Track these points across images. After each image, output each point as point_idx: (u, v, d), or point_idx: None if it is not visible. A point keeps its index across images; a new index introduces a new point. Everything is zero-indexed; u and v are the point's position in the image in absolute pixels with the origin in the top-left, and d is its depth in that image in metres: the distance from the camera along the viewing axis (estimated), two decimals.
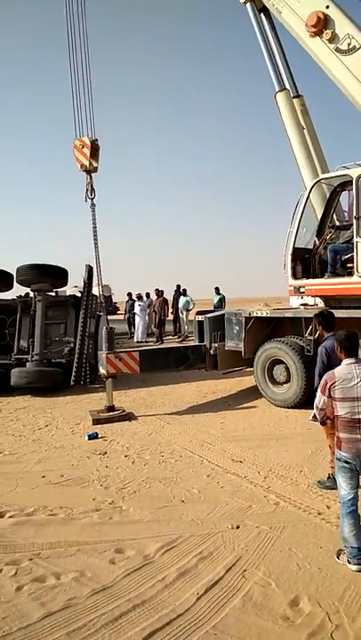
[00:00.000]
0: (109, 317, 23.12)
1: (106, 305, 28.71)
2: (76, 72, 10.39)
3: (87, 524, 4.22)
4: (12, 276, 11.10)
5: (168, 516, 4.31)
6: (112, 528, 4.13)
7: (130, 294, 20.45)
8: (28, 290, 11.14)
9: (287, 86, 8.71)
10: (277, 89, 8.74)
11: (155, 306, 18.36)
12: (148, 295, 19.45)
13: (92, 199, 9.98)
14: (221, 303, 18.15)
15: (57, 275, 10.94)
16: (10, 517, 4.38)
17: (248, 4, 9.00)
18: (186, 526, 4.10)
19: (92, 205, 9.93)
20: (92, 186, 9.89)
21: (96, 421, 7.66)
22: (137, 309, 18.53)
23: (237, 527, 4.05)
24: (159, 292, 18.52)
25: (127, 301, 20.51)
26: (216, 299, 18.49)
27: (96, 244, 9.75)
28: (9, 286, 11.50)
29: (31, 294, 11.04)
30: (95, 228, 9.79)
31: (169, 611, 2.94)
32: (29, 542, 3.89)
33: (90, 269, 10.79)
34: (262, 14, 8.99)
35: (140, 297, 19.20)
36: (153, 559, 3.58)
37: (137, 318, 18.54)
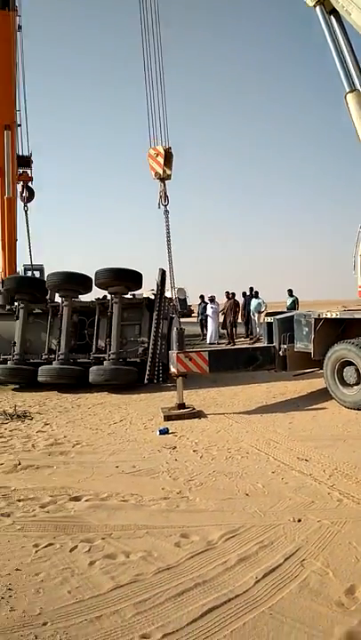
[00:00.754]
0: (184, 320, 23.61)
1: (180, 307, 29.25)
2: (150, 83, 10.87)
3: (156, 510, 4.50)
4: (91, 279, 11.70)
5: (232, 507, 4.50)
6: (178, 515, 4.39)
7: (202, 297, 20.76)
8: (105, 292, 11.73)
9: (358, 87, 8.64)
10: (348, 89, 8.68)
11: (225, 308, 18.55)
12: (212, 299, 19.56)
13: (165, 206, 10.40)
14: (294, 305, 18.03)
15: (132, 278, 11.43)
16: (86, 501, 4.75)
17: (317, 7, 9.01)
18: (248, 517, 4.28)
19: (166, 212, 10.35)
20: (165, 193, 10.30)
21: (167, 418, 7.98)
22: (209, 311, 18.81)
23: (299, 520, 4.18)
24: (229, 295, 18.69)
25: (199, 304, 20.83)
26: (289, 301, 18.39)
27: (169, 248, 10.15)
28: (88, 289, 12.13)
29: (108, 297, 11.61)
30: (168, 233, 10.20)
31: (228, 591, 3.15)
32: (103, 524, 4.23)
33: (163, 273, 11.21)
34: (332, 16, 8.96)
35: (212, 299, 19.45)
36: (216, 545, 3.79)
37: (209, 320, 18.81)
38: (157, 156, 10.65)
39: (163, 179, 10.52)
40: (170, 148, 10.66)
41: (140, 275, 11.52)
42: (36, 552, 3.75)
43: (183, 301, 43.92)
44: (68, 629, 2.81)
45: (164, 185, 10.49)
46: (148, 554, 3.67)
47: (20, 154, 17.55)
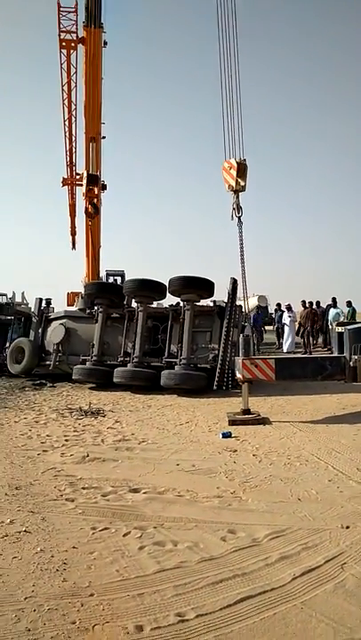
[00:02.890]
0: (267, 327, 23.40)
1: (261, 315, 29.16)
2: (228, 96, 11.14)
3: (208, 506, 4.70)
4: (165, 286, 12.11)
5: (282, 510, 4.60)
6: (229, 513, 4.55)
7: (279, 305, 20.66)
8: (178, 299, 12.10)
9: None
10: None
11: (302, 317, 18.36)
12: (289, 307, 19.38)
13: (239, 217, 10.62)
14: (353, 316, 17.53)
15: (204, 286, 11.71)
16: (144, 493, 5.04)
17: None
18: (297, 520, 4.37)
19: (240, 223, 10.55)
20: (238, 205, 10.51)
21: (232, 422, 8.13)
22: (286, 320, 18.69)
23: (347, 527, 4.20)
24: (306, 304, 18.49)
25: (276, 312, 20.73)
26: (347, 311, 17.90)
27: (242, 259, 10.34)
28: (163, 295, 12.56)
29: (181, 304, 11.96)
30: (242, 244, 10.39)
31: (264, 584, 3.29)
32: (156, 515, 4.49)
33: (234, 282, 11.41)
34: None
35: (289, 307, 19.31)
36: (260, 542, 3.93)
37: (286, 329, 18.69)
38: (231, 168, 10.89)
39: (236, 190, 10.74)
40: (244, 160, 10.87)
41: (212, 283, 11.77)
42: (93, 534, 4.07)
43: (265, 309, 43.46)
44: (112, 602, 3.08)
45: (238, 197, 10.70)
46: (195, 545, 3.88)
47: (90, 172, 18.39)
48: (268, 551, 3.77)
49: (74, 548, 3.81)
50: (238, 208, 10.68)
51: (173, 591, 3.21)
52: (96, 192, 18.45)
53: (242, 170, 10.82)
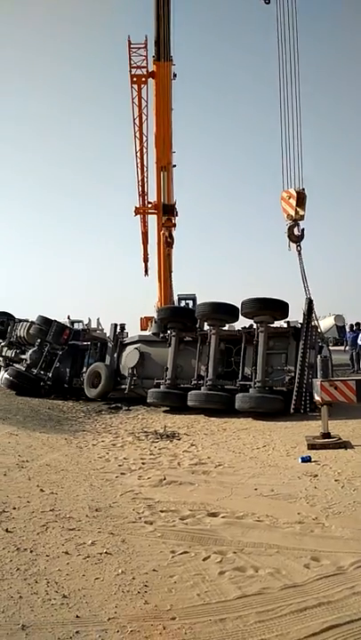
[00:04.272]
0: (340, 348, 22.66)
1: (339, 335, 28.05)
2: (287, 128, 11.26)
3: (289, 532, 4.56)
4: (237, 308, 12.06)
5: None
6: (311, 539, 4.39)
7: (353, 326, 19.92)
8: (251, 322, 12.00)
9: None
10: None
11: None
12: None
13: (298, 249, 11.01)
14: None
15: (278, 307, 11.54)
16: (222, 517, 4.97)
17: None
18: None
19: (299, 254, 10.91)
20: (298, 234, 10.75)
21: (311, 446, 7.88)
22: None
23: None
24: None
25: (349, 332, 19.93)
26: None
27: (306, 287, 10.48)
28: (235, 318, 12.52)
29: (254, 326, 11.85)
30: (304, 273, 10.60)
31: (351, 613, 3.13)
32: (236, 539, 4.40)
33: (310, 302, 11.21)
34: None
35: None
36: (346, 570, 3.75)
37: None
38: (290, 198, 10.96)
39: (295, 220, 10.87)
40: (303, 189, 10.93)
41: (286, 304, 11.59)
42: (173, 557, 4.05)
43: (341, 329, 42.10)
44: (194, 626, 3.03)
45: (298, 225, 10.93)
46: (277, 571, 3.76)
47: (166, 202, 18.83)
48: (355, 579, 3.59)
49: (154, 570, 3.80)
50: (298, 237, 10.92)
51: (256, 617, 3.11)
52: (173, 222, 18.89)
53: (301, 199, 10.89)
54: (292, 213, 11.03)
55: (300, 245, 11.26)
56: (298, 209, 10.95)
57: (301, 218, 11.13)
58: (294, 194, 11.05)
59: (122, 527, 4.70)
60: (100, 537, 4.44)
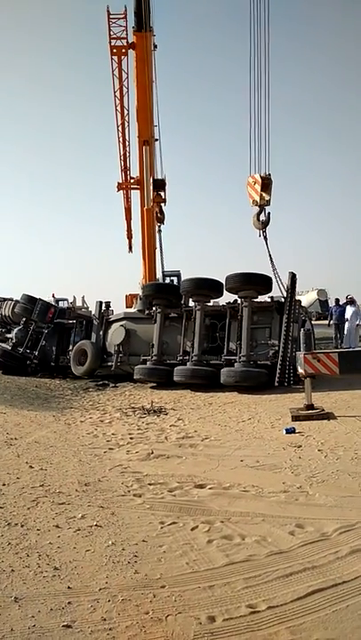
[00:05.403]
0: (322, 322, 22.91)
1: (321, 309, 28.31)
2: (257, 112, 11.25)
3: (274, 501, 4.68)
4: (222, 284, 12.10)
5: (351, 505, 4.51)
6: (296, 507, 4.52)
7: (337, 300, 20.08)
8: (235, 297, 12.05)
9: None
10: None
11: None
12: (352, 300, 18.76)
13: (265, 235, 11.15)
14: None
15: (261, 282, 11.60)
16: (209, 489, 5.07)
17: None
18: None
19: (265, 239, 11.10)
20: (264, 220, 10.99)
21: (295, 418, 8.03)
22: (348, 314, 18.16)
23: None
24: None
25: (335, 306, 20.11)
26: None
27: (275, 272, 10.68)
28: (219, 293, 12.56)
29: (239, 301, 11.91)
30: (272, 260, 10.99)
31: (336, 577, 3.25)
32: (223, 509, 4.51)
33: (293, 276, 11.27)
34: None
35: (352, 301, 18.74)
36: (330, 537, 3.87)
37: (347, 325, 18.17)
38: (255, 183, 11.01)
39: (261, 205, 10.97)
40: (269, 174, 11.02)
41: (270, 278, 11.64)
42: (162, 528, 4.14)
43: (324, 303, 42.51)
44: (183, 593, 3.13)
45: (264, 212, 11.07)
46: (263, 539, 3.87)
47: (156, 177, 18.55)
48: (338, 545, 3.72)
49: (143, 541, 3.89)
50: (263, 223, 11.05)
51: (244, 583, 3.22)
52: (163, 196, 18.62)
53: (266, 184, 10.96)
54: (257, 199, 11.12)
55: (265, 231, 11.43)
56: (263, 194, 11.03)
57: (267, 203, 11.24)
58: (259, 179, 11.09)
59: (111, 500, 4.78)
60: (90, 510, 4.52)
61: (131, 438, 7.37)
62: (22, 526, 4.15)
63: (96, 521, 4.27)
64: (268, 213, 11.62)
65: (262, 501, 4.69)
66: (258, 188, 11.10)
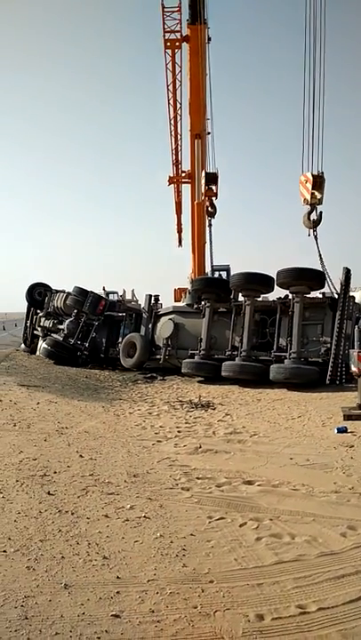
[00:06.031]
0: None
1: None
2: (310, 110, 11.00)
3: (325, 501, 4.57)
4: (272, 279, 11.93)
5: None
6: (348, 509, 4.39)
7: None
8: (286, 292, 11.86)
9: None
10: None
11: None
12: None
13: (315, 234, 10.94)
14: None
15: (314, 277, 11.37)
16: (258, 486, 5.01)
17: None
18: None
19: (316, 238, 11.35)
20: (315, 219, 10.81)
21: (347, 417, 7.83)
22: None
23: None
24: None
25: None
26: None
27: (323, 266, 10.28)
28: (270, 288, 12.40)
29: (290, 296, 11.72)
30: (322, 259, 11.09)
31: None
32: (272, 507, 4.44)
33: (348, 272, 10.98)
34: None
35: None
36: None
37: None
38: (307, 182, 10.79)
39: (312, 204, 10.76)
40: (322, 173, 10.78)
41: (323, 274, 11.39)
42: (210, 523, 4.11)
43: None
44: (232, 590, 3.09)
45: (316, 209, 10.87)
46: (313, 539, 3.79)
47: (208, 170, 18.39)
48: None
49: (192, 535, 3.88)
50: (314, 223, 10.85)
51: (293, 583, 3.15)
52: (215, 190, 18.45)
53: (318, 183, 10.71)
54: (308, 197, 10.88)
55: (315, 230, 11.19)
56: (315, 193, 10.79)
57: (319, 202, 10.98)
58: (310, 177, 10.84)
59: (159, 493, 4.80)
60: (139, 502, 4.55)
61: (178, 432, 7.38)
62: (72, 514, 4.22)
63: (145, 512, 4.29)
64: (320, 213, 11.38)
65: (313, 501, 4.59)
66: (309, 186, 10.89)
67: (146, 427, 7.76)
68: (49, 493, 4.66)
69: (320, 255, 10.94)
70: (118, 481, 5.10)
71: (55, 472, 5.29)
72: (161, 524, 4.06)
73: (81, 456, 5.93)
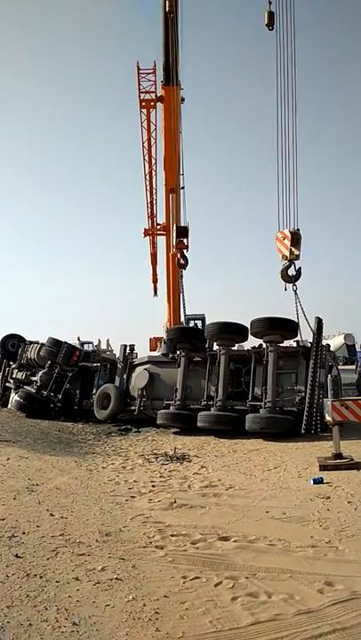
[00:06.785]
0: (350, 367, 22.52)
1: (349, 354, 27.88)
2: (284, 169, 11.54)
3: (302, 556, 4.48)
4: (246, 328, 12.06)
5: None
6: (325, 564, 4.31)
7: None
8: (261, 341, 11.98)
9: None
10: None
11: None
12: None
13: (294, 289, 11.20)
14: None
15: (287, 327, 11.54)
16: (234, 541, 4.89)
17: None
18: None
19: (296, 293, 11.52)
20: (294, 274, 11.10)
21: (323, 467, 7.78)
22: None
23: None
24: None
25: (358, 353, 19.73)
26: None
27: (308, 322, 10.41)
28: (244, 338, 12.51)
29: (264, 345, 11.82)
30: (302, 311, 11.35)
31: None
32: (248, 564, 4.33)
33: (319, 321, 11.18)
34: None
35: None
36: (360, 595, 3.68)
37: None
38: (285, 238, 11.16)
39: (290, 260, 11.11)
40: (298, 230, 11.18)
41: (296, 323, 11.58)
42: (184, 583, 3.98)
43: (351, 348, 41.64)
44: None
45: (294, 265, 11.18)
46: (290, 596, 3.69)
47: (180, 224, 18.88)
48: None
49: (165, 597, 3.74)
50: (292, 278, 11.16)
51: None
52: (186, 243, 18.84)
53: (295, 239, 11.12)
54: (287, 254, 11.24)
55: (295, 285, 11.48)
56: (292, 249, 11.15)
57: (296, 258, 11.36)
58: (289, 234, 11.22)
59: (132, 552, 4.65)
60: (111, 562, 4.39)
61: (153, 486, 7.22)
62: (41, 577, 4.04)
63: (117, 574, 4.14)
64: (299, 268, 11.66)
65: (289, 556, 4.50)
66: (287, 243, 11.22)
67: (119, 482, 7.58)
68: (17, 556, 4.46)
69: (302, 309, 11.16)
70: (90, 540, 4.93)
71: (24, 532, 5.09)
72: (133, 586, 3.92)
73: (51, 514, 5.74)
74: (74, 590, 3.83)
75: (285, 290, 11.58)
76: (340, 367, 17.93)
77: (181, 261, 19.10)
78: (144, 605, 3.60)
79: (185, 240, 18.74)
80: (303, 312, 11.05)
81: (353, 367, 22.11)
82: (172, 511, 6.00)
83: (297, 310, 11.15)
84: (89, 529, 5.28)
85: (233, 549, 4.70)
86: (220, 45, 66.01)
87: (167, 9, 17.64)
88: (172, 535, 5.10)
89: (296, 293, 11.41)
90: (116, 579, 4.04)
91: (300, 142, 11.82)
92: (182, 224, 18.97)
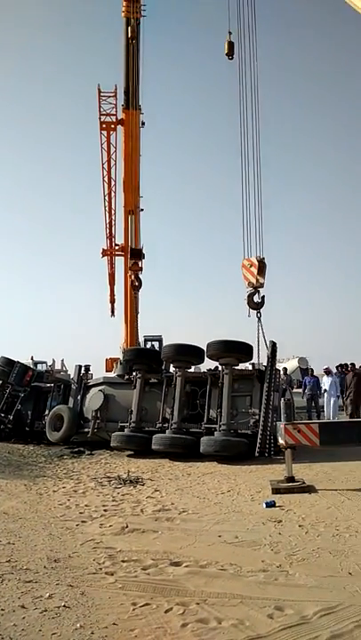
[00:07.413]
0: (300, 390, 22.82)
1: (302, 377, 28.17)
2: (246, 196, 11.78)
3: (253, 581, 4.47)
4: (203, 350, 12.12)
5: (332, 585, 4.33)
6: (275, 588, 4.32)
7: (311, 370, 20.14)
8: (216, 364, 12.06)
9: None
10: None
11: (348, 383, 17.73)
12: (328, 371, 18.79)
13: (258, 316, 11.55)
14: None
15: (243, 350, 11.65)
16: (185, 567, 4.85)
17: None
18: (348, 596, 4.10)
19: (259, 320, 11.52)
20: (259, 302, 11.29)
21: (275, 491, 7.84)
22: (326, 384, 18.14)
23: None
24: (348, 367, 18.02)
25: (308, 377, 19.99)
26: None
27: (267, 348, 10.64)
28: (201, 360, 12.57)
29: (219, 368, 11.90)
30: (263, 337, 11.34)
31: None
32: (199, 590, 4.29)
33: (273, 345, 11.36)
34: None
35: (328, 372, 18.79)
36: (310, 620, 3.69)
37: (326, 396, 18.08)
38: (251, 266, 11.34)
39: (256, 287, 11.27)
40: (263, 258, 11.39)
41: (251, 346, 11.70)
42: (134, 610, 3.91)
43: (305, 371, 42.38)
44: None
45: (258, 292, 11.32)
46: (240, 622, 3.67)
47: (133, 246, 19.06)
48: (319, 629, 3.54)
49: (114, 624, 3.66)
50: (257, 305, 11.28)
51: None
52: (140, 265, 18.97)
53: (261, 267, 11.30)
54: (254, 281, 11.40)
55: (259, 312, 11.63)
56: (258, 277, 11.33)
57: (261, 285, 11.52)
58: (256, 262, 11.41)
59: (81, 579, 4.53)
60: (59, 589, 4.27)
61: (105, 510, 7.09)
62: None
63: (64, 601, 4.02)
64: (263, 296, 11.82)
65: (240, 581, 4.48)
66: (254, 270, 11.37)
67: (70, 506, 7.41)
68: None
69: (263, 335, 11.28)
70: (37, 567, 4.78)
71: None
72: (82, 614, 3.82)
73: None
74: (19, 619, 3.71)
75: (249, 316, 11.69)
76: (293, 390, 18.21)
77: (135, 283, 19.20)
78: (92, 633, 3.51)
79: (139, 262, 18.91)
80: (264, 338, 11.17)
81: (300, 390, 22.35)
82: (123, 536, 5.90)
83: (258, 336, 11.25)
84: (37, 555, 5.13)
85: (184, 575, 4.65)
86: (182, 71, 67.52)
87: (129, 34, 17.98)
88: (123, 561, 5.02)
89: (260, 320, 11.54)
90: (64, 606, 3.93)
91: (265, 169, 12.12)
92: (140, 246, 19.13)
